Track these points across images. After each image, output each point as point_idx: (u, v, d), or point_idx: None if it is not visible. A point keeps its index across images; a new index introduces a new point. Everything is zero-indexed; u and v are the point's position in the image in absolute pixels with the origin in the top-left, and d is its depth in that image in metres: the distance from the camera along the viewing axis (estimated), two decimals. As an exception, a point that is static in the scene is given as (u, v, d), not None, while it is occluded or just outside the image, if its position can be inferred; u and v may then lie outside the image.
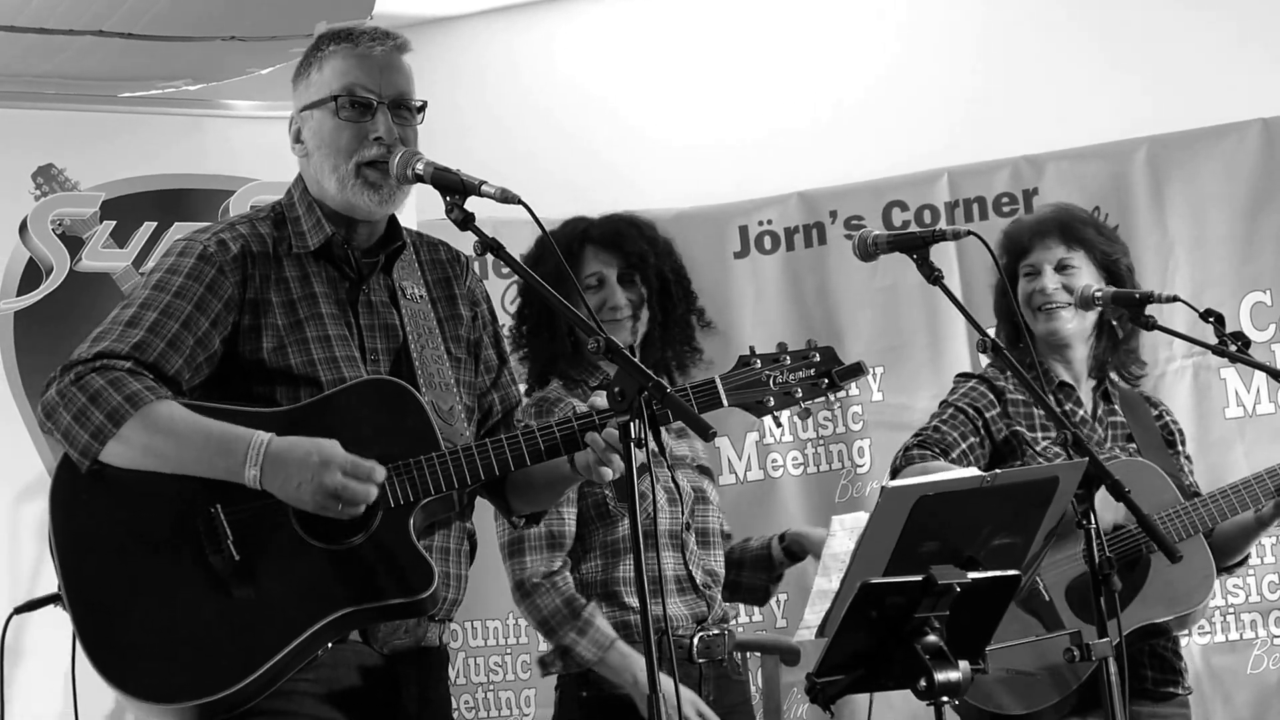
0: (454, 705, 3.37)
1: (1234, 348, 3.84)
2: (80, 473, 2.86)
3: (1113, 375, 4.13)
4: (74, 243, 5.11)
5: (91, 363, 2.86)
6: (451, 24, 6.40)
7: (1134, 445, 4.05)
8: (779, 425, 4.35)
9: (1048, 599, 3.80)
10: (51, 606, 2.95)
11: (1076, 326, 4.02)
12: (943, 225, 5.56)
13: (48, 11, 4.85)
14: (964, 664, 2.87)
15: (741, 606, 5.18)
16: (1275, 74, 5.60)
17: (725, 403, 2.97)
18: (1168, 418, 4.22)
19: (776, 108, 6.12)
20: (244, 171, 5.26)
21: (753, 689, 4.23)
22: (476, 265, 3.33)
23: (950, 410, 4.00)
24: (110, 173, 5.17)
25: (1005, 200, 5.63)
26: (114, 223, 5.15)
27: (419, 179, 2.95)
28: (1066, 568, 3.79)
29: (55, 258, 5.09)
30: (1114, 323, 4.05)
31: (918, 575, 2.86)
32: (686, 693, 3.70)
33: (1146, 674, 3.91)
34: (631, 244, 3.97)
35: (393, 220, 3.11)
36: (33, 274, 5.07)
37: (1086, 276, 4.01)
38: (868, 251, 3.53)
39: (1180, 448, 4.18)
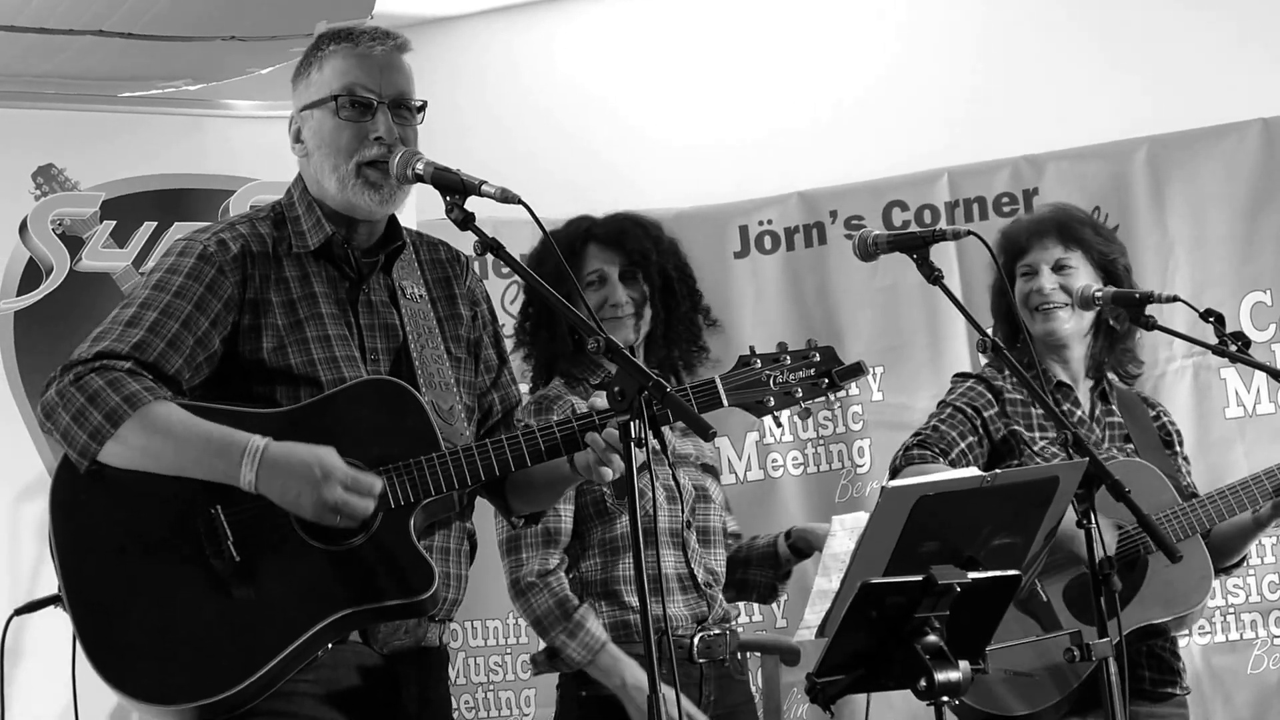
0: (454, 705, 3.37)
1: (1234, 348, 3.84)
2: (80, 473, 2.86)
3: (1110, 375, 4.13)
4: (74, 243, 5.11)
5: (91, 363, 2.86)
6: (451, 24, 6.40)
7: (1131, 446, 4.05)
8: (779, 425, 4.35)
9: (1045, 599, 3.80)
10: (51, 607, 2.95)
11: (1074, 327, 4.02)
12: (943, 225, 5.56)
13: (48, 11, 4.85)
14: (964, 664, 2.87)
15: (742, 606, 5.19)
16: (1275, 74, 5.60)
17: (725, 403, 2.97)
18: (1165, 419, 4.22)
19: (776, 108, 6.12)
20: (244, 171, 5.26)
21: (753, 689, 4.23)
22: (476, 265, 3.33)
23: (949, 410, 4.00)
24: (110, 173, 5.17)
25: (1005, 200, 5.63)
26: (114, 223, 5.15)
27: (419, 179, 2.95)
28: (1066, 571, 3.80)
29: (55, 258, 5.09)
30: (1111, 322, 4.05)
31: (918, 575, 2.85)
32: (671, 694, 3.68)
33: (1144, 674, 3.91)
34: (634, 242, 3.97)
35: (392, 220, 3.11)
36: (33, 274, 5.07)
37: (1084, 277, 4.01)
38: (868, 251, 3.53)
39: (1178, 449, 4.18)
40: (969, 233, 3.48)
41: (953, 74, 5.97)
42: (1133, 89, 5.73)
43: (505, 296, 5.67)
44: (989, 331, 3.63)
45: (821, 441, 5.69)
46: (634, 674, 3.70)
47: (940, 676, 2.84)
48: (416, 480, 2.87)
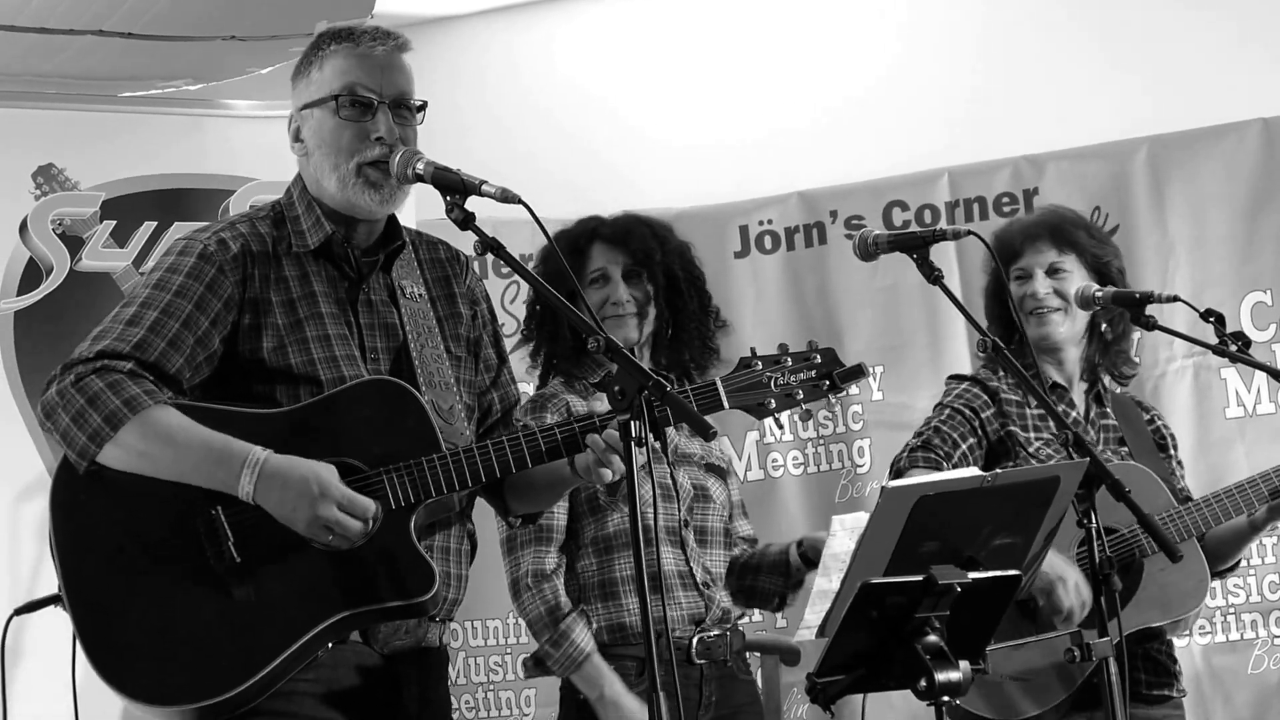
0: (454, 705, 3.37)
1: (1234, 348, 3.84)
2: (80, 473, 2.86)
3: (1105, 378, 4.12)
4: (74, 242, 5.11)
5: (93, 362, 2.86)
6: (451, 24, 6.40)
7: (1125, 448, 4.04)
8: (779, 425, 4.35)
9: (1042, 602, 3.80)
10: (51, 607, 2.95)
11: (1068, 331, 4.02)
12: (943, 225, 5.56)
13: (48, 11, 4.86)
14: (964, 664, 2.87)
15: (745, 607, 5.18)
16: (1275, 74, 5.60)
17: (726, 405, 2.97)
18: (1159, 422, 4.22)
19: (776, 108, 6.12)
20: (244, 171, 5.26)
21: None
22: (476, 265, 3.33)
23: (948, 411, 3.99)
24: (110, 172, 5.17)
25: (1005, 200, 5.63)
26: (114, 222, 5.15)
27: (419, 179, 2.95)
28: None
29: (55, 257, 5.09)
30: (1104, 328, 4.05)
31: (918, 575, 2.85)
32: (633, 702, 3.68)
33: (1140, 677, 3.90)
34: (638, 241, 3.97)
35: (392, 219, 3.11)
36: (33, 274, 5.08)
37: (1078, 280, 4.00)
38: (868, 251, 3.52)
39: (1172, 452, 4.17)
40: (969, 233, 3.48)
41: (953, 74, 5.97)
42: (1133, 89, 5.73)
43: (505, 296, 5.67)
44: (989, 331, 3.63)
45: (822, 441, 5.68)
46: (613, 688, 3.71)
47: (940, 676, 2.84)
48: (417, 481, 2.87)
